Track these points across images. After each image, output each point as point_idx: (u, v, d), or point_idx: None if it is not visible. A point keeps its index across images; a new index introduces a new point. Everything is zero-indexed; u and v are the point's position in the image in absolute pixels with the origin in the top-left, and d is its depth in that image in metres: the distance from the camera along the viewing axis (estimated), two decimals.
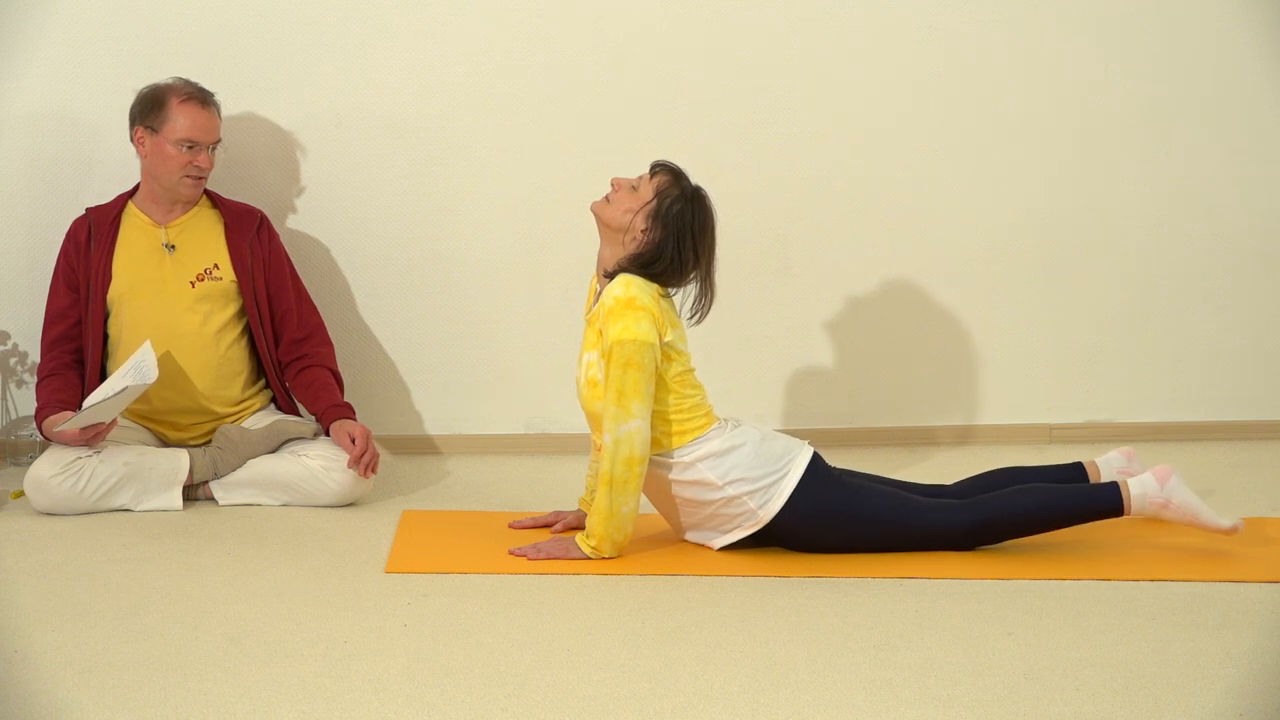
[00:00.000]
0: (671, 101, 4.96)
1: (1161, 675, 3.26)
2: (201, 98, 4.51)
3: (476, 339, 5.04)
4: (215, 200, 4.64)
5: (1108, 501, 3.95)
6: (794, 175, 5.01)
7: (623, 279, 3.91)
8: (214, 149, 4.53)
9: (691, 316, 4.03)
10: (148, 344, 4.35)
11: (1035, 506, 3.97)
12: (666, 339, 3.92)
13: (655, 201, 3.93)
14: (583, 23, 4.92)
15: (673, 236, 3.92)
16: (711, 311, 4.90)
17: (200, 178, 4.52)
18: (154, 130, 4.49)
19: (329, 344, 4.71)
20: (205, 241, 4.59)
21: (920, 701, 3.14)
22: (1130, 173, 5.09)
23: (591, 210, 4.00)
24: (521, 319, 5.03)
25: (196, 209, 4.61)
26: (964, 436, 5.13)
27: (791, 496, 3.90)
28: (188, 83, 4.54)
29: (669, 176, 3.97)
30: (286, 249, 4.72)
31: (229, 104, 4.83)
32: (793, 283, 5.06)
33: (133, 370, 4.32)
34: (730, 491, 3.91)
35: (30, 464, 4.51)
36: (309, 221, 4.95)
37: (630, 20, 4.92)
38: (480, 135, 4.95)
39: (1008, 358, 5.15)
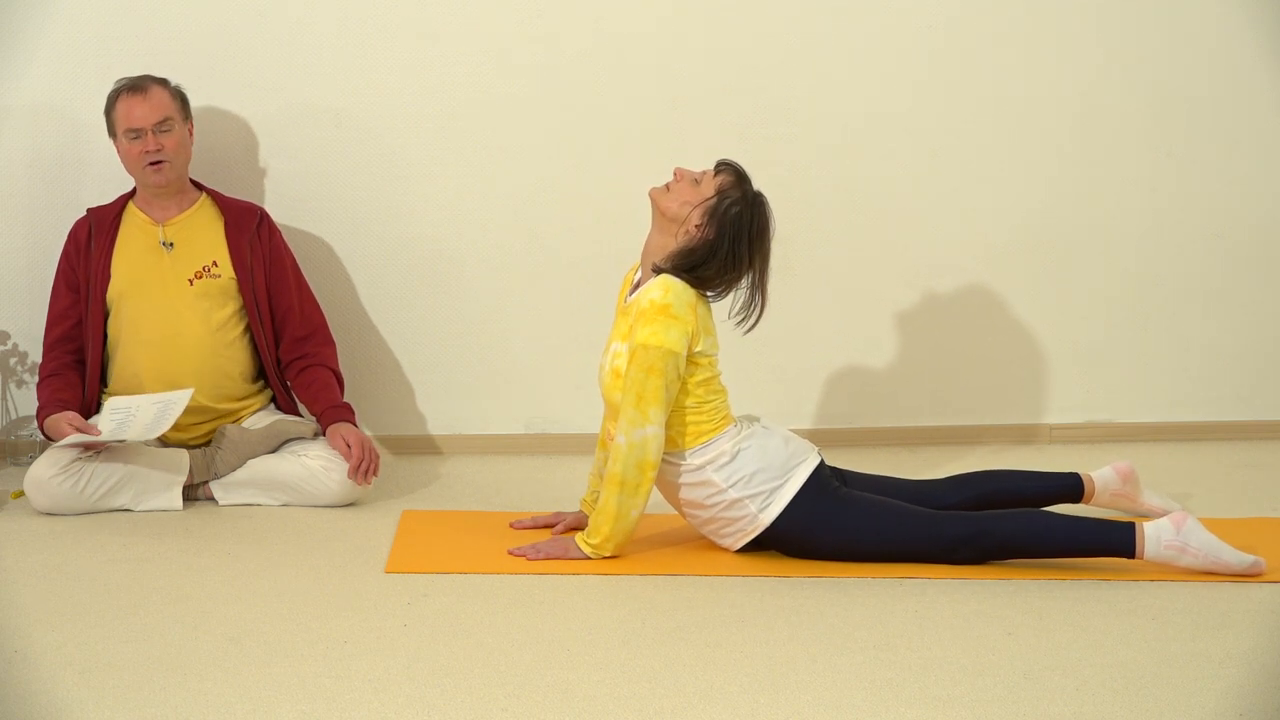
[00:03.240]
0: (671, 101, 4.96)
1: (1161, 675, 3.26)
2: (132, 86, 4.50)
3: (477, 339, 5.04)
4: (215, 198, 4.64)
5: (1120, 542, 3.82)
6: (794, 175, 5.00)
7: (663, 282, 3.87)
8: (162, 130, 4.47)
9: (740, 323, 3.98)
10: (188, 394, 4.34)
11: (1042, 540, 3.86)
12: (697, 348, 3.89)
13: (715, 199, 3.89)
14: (583, 23, 4.92)
15: (727, 238, 3.87)
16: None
17: (158, 163, 4.47)
18: (114, 134, 4.51)
19: (331, 343, 4.71)
20: (204, 239, 4.58)
21: (920, 701, 3.14)
22: (1130, 172, 5.09)
23: (649, 195, 3.94)
24: (521, 319, 5.03)
25: (195, 207, 4.61)
26: (964, 436, 5.13)
27: (790, 503, 3.89)
28: (125, 78, 4.54)
29: (733, 177, 3.92)
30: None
31: (229, 103, 4.83)
32: (793, 283, 5.05)
33: (161, 404, 4.30)
34: (733, 494, 3.91)
35: (30, 464, 4.50)
36: (309, 221, 4.95)
37: (630, 20, 4.92)
38: (480, 135, 4.95)
39: (1008, 358, 5.15)
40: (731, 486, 3.90)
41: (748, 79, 4.96)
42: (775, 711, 3.10)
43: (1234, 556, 3.80)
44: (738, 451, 3.91)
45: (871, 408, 5.14)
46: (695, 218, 3.88)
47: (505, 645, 3.42)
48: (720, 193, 3.89)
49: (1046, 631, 3.50)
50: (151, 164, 4.47)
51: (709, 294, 3.95)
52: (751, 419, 4.04)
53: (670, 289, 3.85)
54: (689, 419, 3.92)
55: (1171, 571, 3.84)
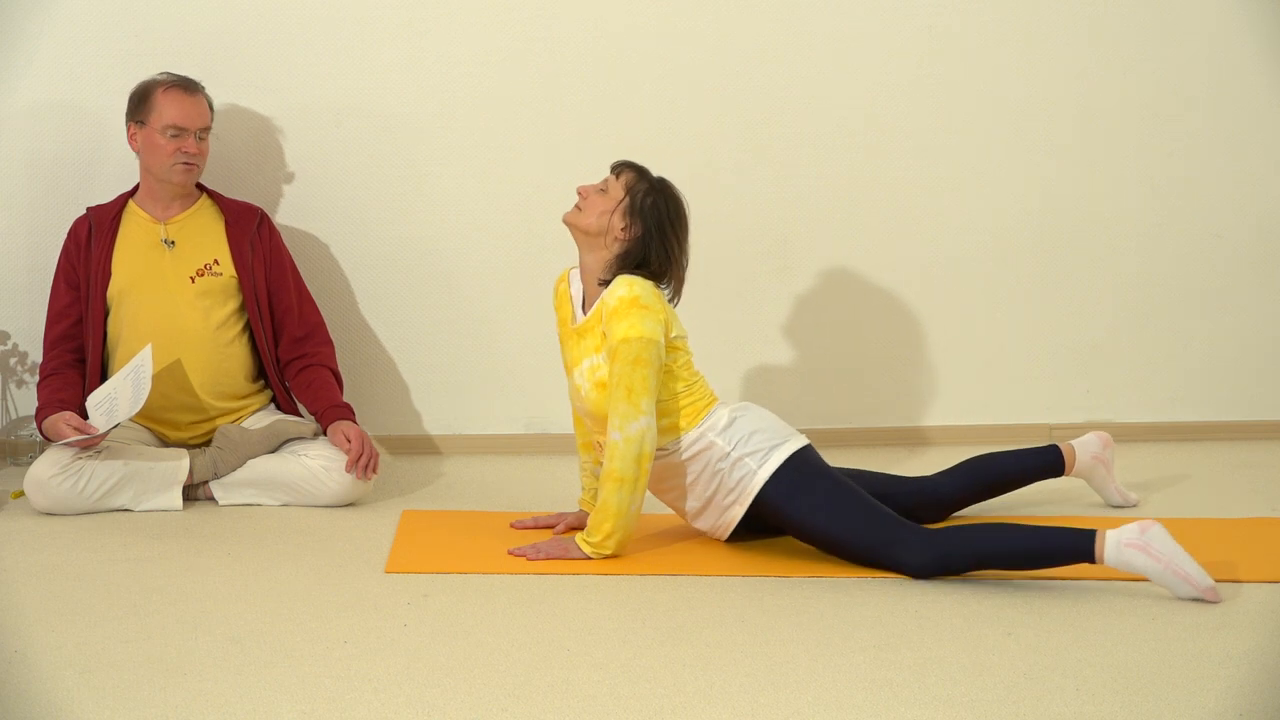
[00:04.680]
0: (671, 101, 4.96)
1: (1161, 675, 3.26)
2: (185, 85, 4.53)
3: (476, 339, 5.05)
4: (215, 198, 4.65)
5: (1078, 548, 3.68)
6: (794, 175, 5.01)
7: (624, 279, 3.92)
8: (202, 135, 4.53)
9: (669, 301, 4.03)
10: (148, 351, 4.34)
11: (1002, 555, 3.75)
12: (673, 334, 3.95)
13: (628, 198, 3.96)
14: (583, 22, 4.92)
15: (653, 229, 3.95)
16: (711, 310, 4.90)
17: (190, 164, 4.52)
18: (143, 123, 4.51)
19: (329, 343, 4.71)
20: (205, 237, 4.59)
21: (920, 701, 3.14)
22: (1130, 172, 5.09)
23: (565, 222, 4.02)
24: (521, 319, 5.03)
25: (196, 206, 4.62)
26: (964, 436, 5.13)
27: (785, 462, 3.90)
28: (172, 74, 4.56)
29: (634, 173, 4.00)
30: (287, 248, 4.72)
31: (229, 103, 4.84)
32: (792, 283, 5.06)
33: (132, 374, 4.32)
34: (736, 453, 3.93)
35: (30, 464, 4.50)
36: (309, 221, 4.95)
37: (630, 20, 4.92)
38: (480, 135, 4.95)
39: (1008, 358, 5.15)
40: (733, 447, 3.93)
41: (748, 79, 4.96)
42: (775, 711, 3.10)
43: (1196, 570, 3.63)
44: (734, 419, 3.96)
45: (870, 408, 5.14)
46: (618, 221, 3.96)
47: (505, 645, 3.42)
48: (630, 190, 3.97)
49: (1046, 631, 3.50)
50: (183, 164, 4.50)
51: (662, 287, 4.00)
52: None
53: (633, 283, 3.91)
54: (683, 403, 3.97)
55: (1133, 578, 3.73)
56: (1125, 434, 5.13)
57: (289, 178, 4.93)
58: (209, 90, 4.61)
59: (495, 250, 5.00)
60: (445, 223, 4.98)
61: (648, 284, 3.93)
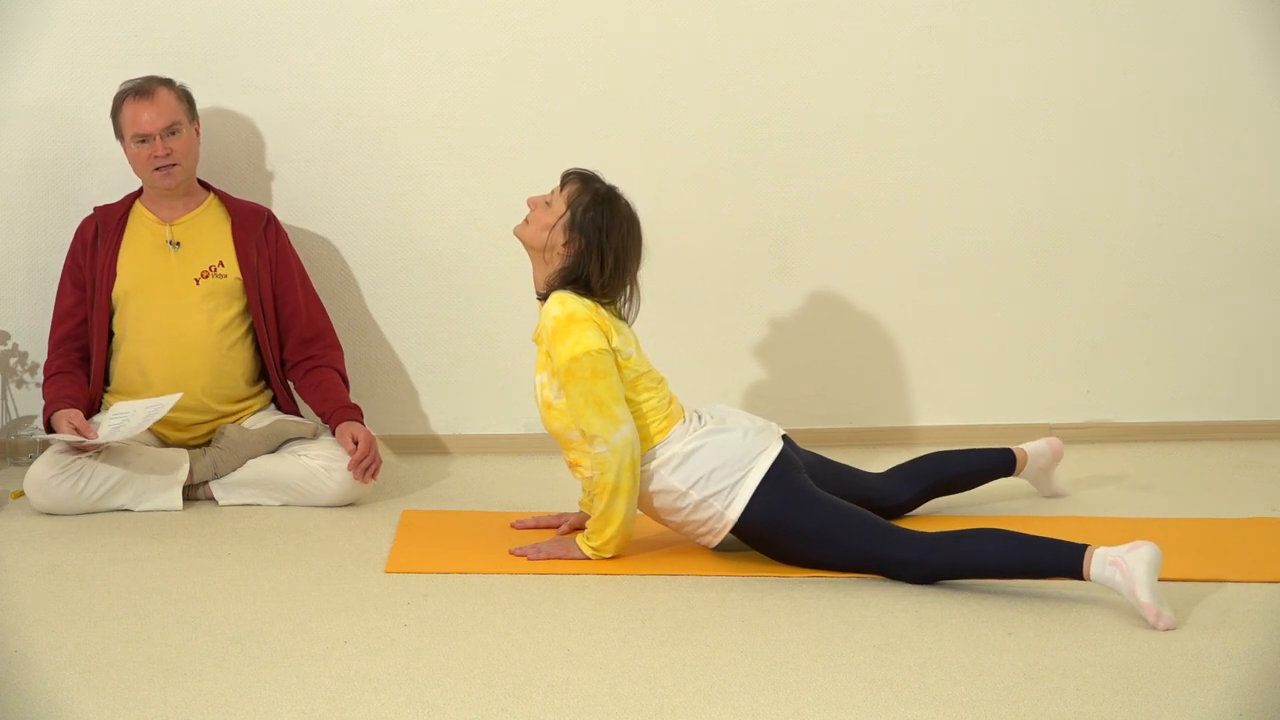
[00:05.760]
0: (671, 101, 4.96)
1: (1161, 675, 3.26)
2: (139, 90, 4.48)
3: (477, 339, 5.04)
4: (222, 199, 4.64)
5: (1068, 566, 3.61)
6: (794, 175, 5.01)
7: (556, 297, 3.87)
8: (173, 132, 4.48)
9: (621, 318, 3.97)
10: (175, 398, 4.34)
11: (991, 563, 3.70)
12: (614, 344, 3.88)
13: (569, 213, 3.89)
14: (583, 22, 4.92)
15: (593, 243, 3.87)
16: (710, 311, 4.89)
17: (167, 167, 4.49)
18: (121, 137, 4.51)
19: (338, 347, 4.71)
20: (211, 239, 4.59)
21: (920, 701, 3.14)
22: (1130, 172, 5.09)
23: (515, 235, 3.98)
24: (522, 319, 5.01)
25: (203, 207, 4.61)
26: (964, 437, 5.12)
27: (754, 495, 3.84)
28: (130, 80, 4.53)
29: (579, 184, 3.93)
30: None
31: (230, 103, 4.84)
32: (792, 283, 5.06)
33: (152, 408, 4.31)
34: (695, 495, 3.88)
35: (30, 464, 4.50)
36: (310, 222, 4.95)
37: (630, 20, 4.92)
38: (480, 135, 4.95)
39: (1008, 358, 5.15)
40: (692, 488, 3.87)
41: (748, 79, 4.96)
42: (775, 711, 3.10)
43: (1150, 597, 3.50)
44: (690, 452, 3.88)
45: (871, 408, 5.14)
46: (558, 237, 3.90)
47: (505, 645, 3.42)
48: (571, 204, 3.90)
49: (1046, 631, 3.50)
50: (160, 168, 4.48)
51: (605, 302, 3.92)
52: (708, 411, 3.98)
53: (564, 300, 3.86)
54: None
55: (1112, 594, 3.67)
56: (1125, 434, 5.14)
57: (289, 178, 4.92)
58: (210, 91, 4.61)
59: (495, 250, 4.99)
60: (446, 222, 4.99)
61: (579, 299, 3.86)
